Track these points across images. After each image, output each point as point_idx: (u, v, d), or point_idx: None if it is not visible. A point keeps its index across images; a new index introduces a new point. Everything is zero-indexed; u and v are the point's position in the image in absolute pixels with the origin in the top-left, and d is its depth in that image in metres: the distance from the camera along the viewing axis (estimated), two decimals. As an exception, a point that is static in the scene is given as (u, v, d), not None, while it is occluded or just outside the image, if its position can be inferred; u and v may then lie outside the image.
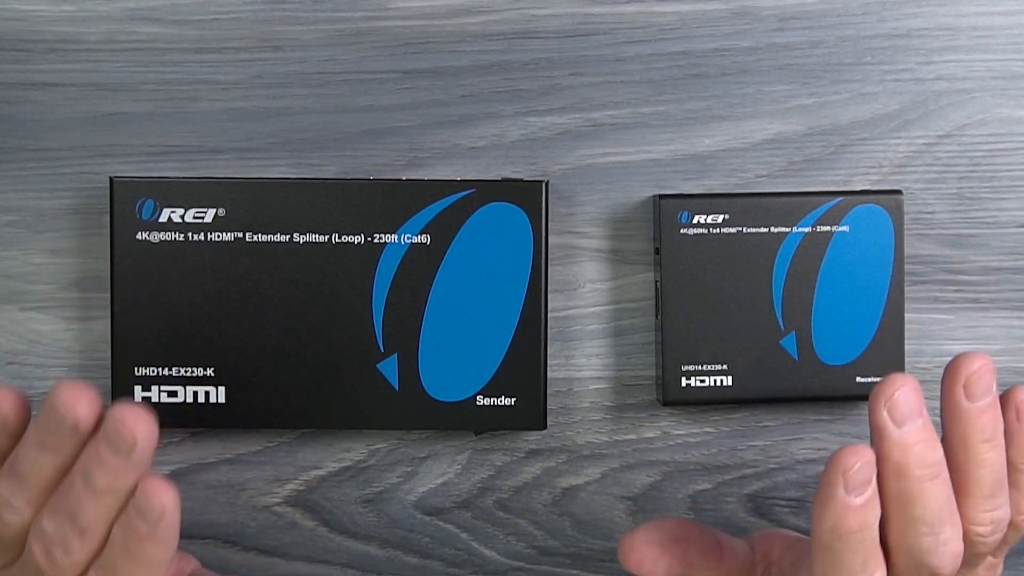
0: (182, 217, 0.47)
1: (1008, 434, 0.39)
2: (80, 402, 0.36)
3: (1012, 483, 0.39)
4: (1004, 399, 0.39)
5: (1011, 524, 0.40)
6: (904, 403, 0.36)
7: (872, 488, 0.36)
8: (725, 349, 0.48)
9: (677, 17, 0.49)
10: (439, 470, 0.50)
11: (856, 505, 0.36)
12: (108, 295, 0.47)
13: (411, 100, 0.49)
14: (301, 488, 0.50)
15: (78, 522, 0.37)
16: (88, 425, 0.37)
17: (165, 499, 0.37)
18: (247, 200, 0.47)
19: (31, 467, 0.37)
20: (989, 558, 0.41)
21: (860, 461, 0.36)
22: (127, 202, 0.47)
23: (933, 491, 0.36)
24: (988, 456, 0.38)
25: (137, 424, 0.36)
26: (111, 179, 0.47)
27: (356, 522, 0.50)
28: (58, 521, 0.37)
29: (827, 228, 0.48)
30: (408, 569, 0.50)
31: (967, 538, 0.38)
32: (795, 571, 0.42)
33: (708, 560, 0.43)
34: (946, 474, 0.37)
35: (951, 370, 0.38)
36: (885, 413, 0.36)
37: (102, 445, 0.36)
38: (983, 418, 0.37)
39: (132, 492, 0.37)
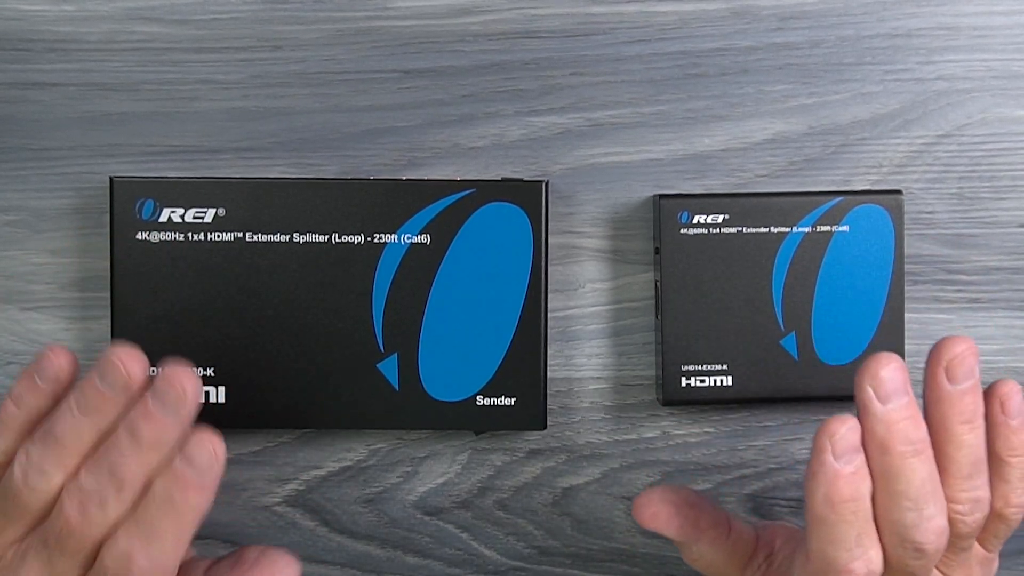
0: (182, 217, 0.47)
1: (992, 425, 0.40)
2: (134, 361, 0.38)
3: (997, 474, 0.40)
4: (988, 391, 0.40)
5: (999, 515, 0.40)
6: (889, 381, 0.37)
7: (860, 457, 0.37)
8: (725, 349, 0.48)
9: (677, 17, 0.49)
10: (439, 470, 0.50)
11: (846, 472, 0.37)
12: (108, 295, 0.47)
13: (411, 100, 0.49)
14: (301, 488, 0.50)
15: (118, 476, 0.38)
16: (139, 382, 0.38)
17: (218, 448, 0.38)
18: (247, 200, 0.47)
19: (70, 432, 0.38)
20: (982, 551, 0.42)
21: (846, 427, 0.37)
22: (127, 202, 0.47)
23: (916, 467, 0.37)
24: (967, 438, 0.38)
25: (186, 381, 0.38)
26: (111, 179, 0.47)
27: (356, 522, 0.50)
28: (98, 476, 0.38)
29: (827, 228, 0.48)
30: (408, 569, 0.50)
31: (948, 517, 0.38)
32: (791, 560, 0.43)
33: (717, 531, 0.44)
34: (930, 452, 0.38)
35: (935, 353, 0.39)
36: (870, 390, 0.37)
37: (151, 401, 0.38)
38: (963, 401, 0.38)
39: (172, 448, 0.38)
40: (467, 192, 0.47)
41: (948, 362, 0.38)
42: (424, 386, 0.47)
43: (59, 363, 0.40)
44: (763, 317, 0.48)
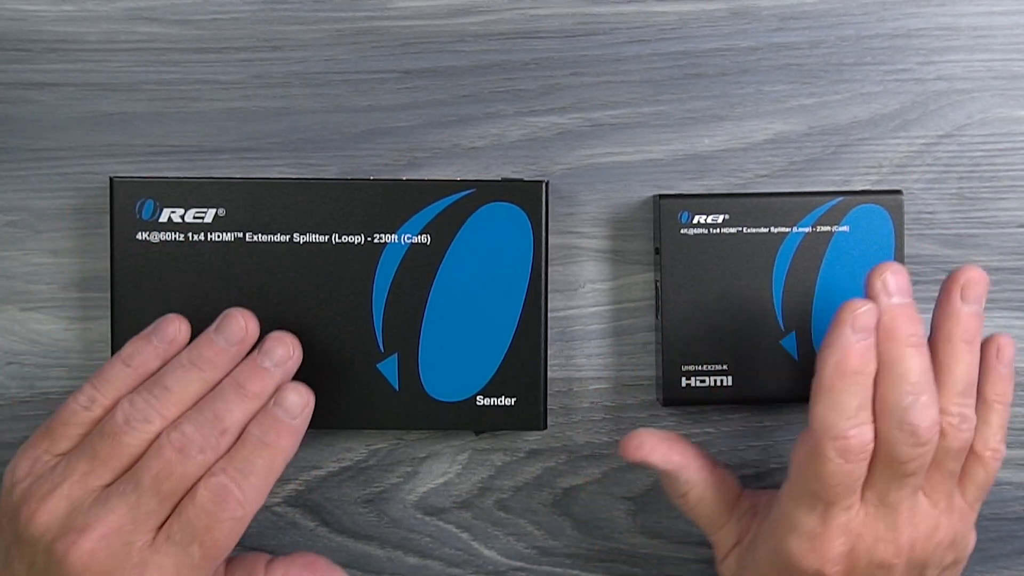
0: (182, 217, 0.47)
1: (985, 370, 0.44)
2: (252, 319, 0.44)
3: (982, 417, 0.44)
4: (989, 339, 0.44)
5: (978, 456, 0.44)
6: (895, 282, 0.42)
7: (872, 339, 0.41)
8: (725, 349, 0.48)
9: (677, 17, 0.49)
10: (439, 470, 0.50)
11: (859, 347, 0.41)
12: (108, 295, 0.47)
13: (411, 100, 0.49)
14: (301, 488, 0.50)
15: (222, 423, 0.41)
16: (252, 340, 0.44)
17: (308, 397, 0.43)
18: (247, 200, 0.47)
19: (179, 382, 0.42)
20: (961, 500, 0.43)
21: (867, 306, 0.41)
22: (127, 202, 0.47)
23: (915, 355, 0.41)
24: (965, 356, 0.43)
25: (292, 342, 0.43)
26: (111, 179, 0.47)
27: (356, 522, 0.50)
28: (199, 424, 0.41)
29: (827, 228, 0.48)
30: (408, 569, 0.50)
31: (941, 426, 0.42)
32: (769, 510, 0.44)
33: (703, 462, 0.46)
34: (926, 349, 0.42)
35: (952, 276, 0.43)
36: (880, 284, 0.42)
37: (260, 357, 0.43)
38: (969, 320, 0.43)
39: (270, 399, 0.42)
40: (467, 192, 0.47)
41: (965, 282, 0.43)
42: (424, 386, 0.47)
43: (177, 326, 0.44)
44: (763, 317, 0.48)
